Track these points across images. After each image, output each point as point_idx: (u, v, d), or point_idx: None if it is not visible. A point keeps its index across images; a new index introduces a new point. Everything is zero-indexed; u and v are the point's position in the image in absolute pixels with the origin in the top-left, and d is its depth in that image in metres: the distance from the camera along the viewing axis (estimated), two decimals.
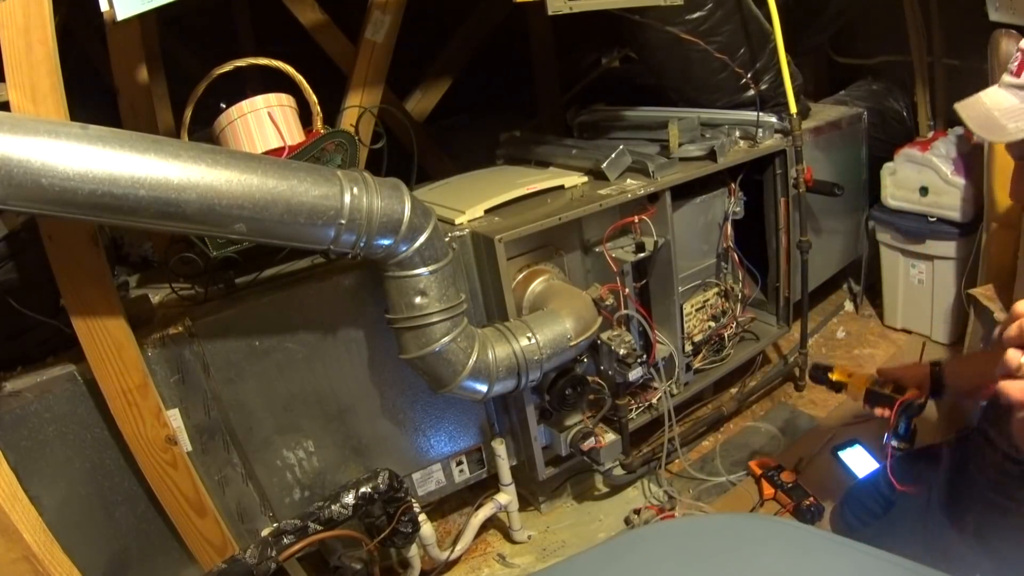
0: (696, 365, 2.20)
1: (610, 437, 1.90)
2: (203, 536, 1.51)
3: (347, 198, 1.31)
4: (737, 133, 2.12)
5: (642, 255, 1.87)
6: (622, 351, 1.76)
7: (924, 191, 2.44)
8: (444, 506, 2.09)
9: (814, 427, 2.28)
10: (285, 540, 1.49)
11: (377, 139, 1.76)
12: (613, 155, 1.91)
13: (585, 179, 1.96)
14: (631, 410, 1.98)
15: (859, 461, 2.02)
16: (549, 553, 1.93)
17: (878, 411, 1.44)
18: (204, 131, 1.56)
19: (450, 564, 1.89)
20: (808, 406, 2.41)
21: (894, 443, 1.41)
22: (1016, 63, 1.08)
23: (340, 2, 2.23)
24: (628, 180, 1.90)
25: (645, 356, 1.89)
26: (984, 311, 2.01)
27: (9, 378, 1.36)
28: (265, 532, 1.54)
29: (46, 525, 1.27)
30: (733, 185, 2.11)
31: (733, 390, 2.43)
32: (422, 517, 1.72)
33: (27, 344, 1.41)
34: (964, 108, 1.13)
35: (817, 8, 2.62)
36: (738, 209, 2.13)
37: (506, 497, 1.90)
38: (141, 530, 1.51)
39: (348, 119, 1.90)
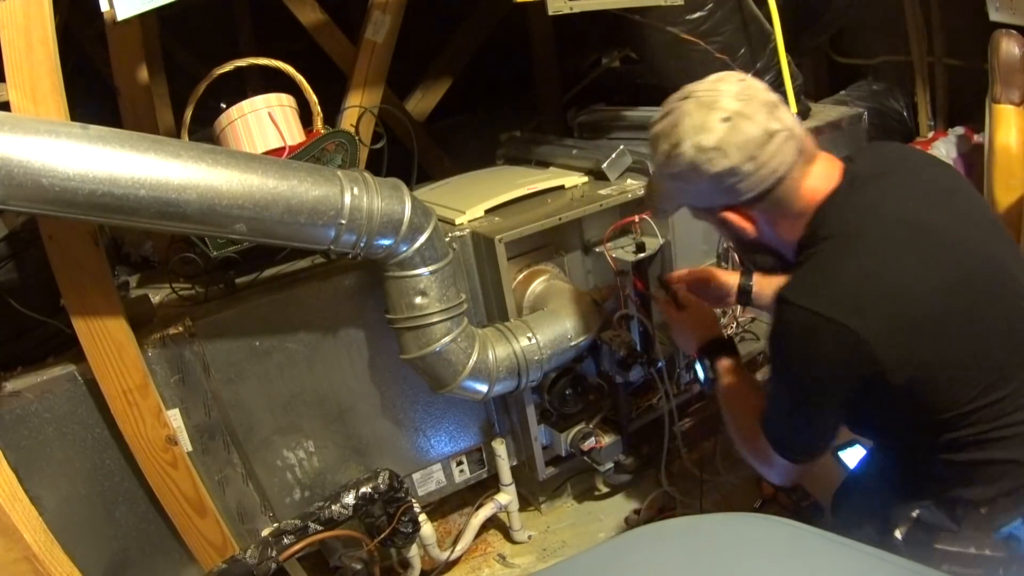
0: None
1: (610, 437, 1.90)
2: (203, 536, 1.51)
3: (347, 198, 1.31)
4: None
5: (642, 255, 1.87)
6: (622, 351, 1.76)
7: None
8: (444, 506, 2.09)
9: None
10: (285, 540, 1.49)
11: (377, 139, 1.76)
12: (613, 155, 1.91)
13: (585, 179, 1.96)
14: (631, 410, 1.98)
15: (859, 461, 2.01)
16: (549, 553, 1.93)
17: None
18: (204, 131, 1.56)
19: (450, 564, 1.89)
20: None
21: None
22: None
23: (340, 2, 2.23)
24: (628, 180, 1.89)
25: (645, 356, 1.88)
26: None
27: (9, 378, 1.36)
28: (265, 532, 1.54)
29: (46, 525, 1.27)
30: None
31: None
32: (422, 517, 1.72)
33: (27, 344, 1.41)
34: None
35: (817, 8, 2.61)
36: None
37: (506, 497, 1.90)
38: (141, 530, 1.51)
39: (348, 119, 1.90)
